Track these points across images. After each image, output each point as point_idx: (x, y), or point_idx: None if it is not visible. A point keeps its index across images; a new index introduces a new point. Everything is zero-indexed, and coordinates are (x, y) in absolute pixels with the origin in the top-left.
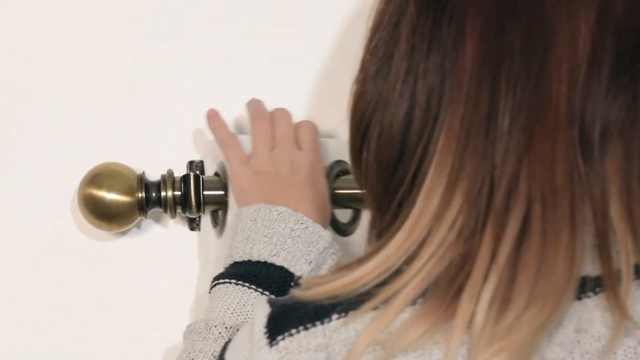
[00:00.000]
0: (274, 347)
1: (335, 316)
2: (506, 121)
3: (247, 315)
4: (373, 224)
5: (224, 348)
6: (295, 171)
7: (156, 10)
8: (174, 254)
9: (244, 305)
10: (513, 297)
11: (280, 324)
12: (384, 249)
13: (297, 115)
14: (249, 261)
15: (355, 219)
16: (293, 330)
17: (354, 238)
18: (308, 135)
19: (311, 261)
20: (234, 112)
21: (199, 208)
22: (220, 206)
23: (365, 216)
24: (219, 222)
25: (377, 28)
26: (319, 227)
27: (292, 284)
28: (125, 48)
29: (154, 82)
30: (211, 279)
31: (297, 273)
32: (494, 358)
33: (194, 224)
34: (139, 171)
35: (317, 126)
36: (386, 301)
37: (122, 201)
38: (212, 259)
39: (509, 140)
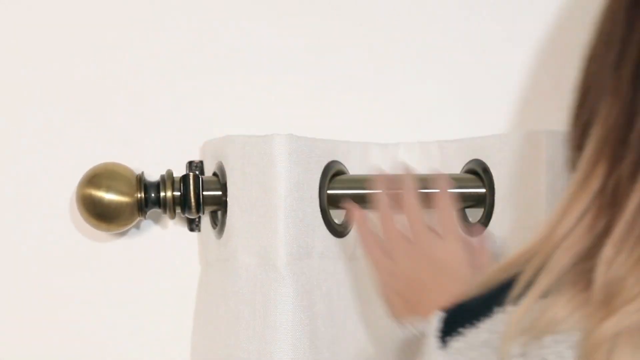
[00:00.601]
0: (445, 350)
1: (496, 308)
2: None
3: None
4: None
5: None
6: (438, 272)
7: (156, 10)
8: (174, 254)
9: None
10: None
11: (452, 324)
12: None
13: (294, 116)
14: None
15: None
16: (462, 329)
17: (348, 239)
18: (446, 216)
19: None
20: (234, 112)
21: (198, 208)
22: (219, 207)
23: None
24: (218, 222)
25: None
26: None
27: None
28: (125, 48)
29: (154, 82)
30: (211, 280)
31: None
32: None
33: (193, 225)
34: (138, 171)
35: (449, 179)
36: (530, 283)
37: (121, 201)
38: (212, 260)
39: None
